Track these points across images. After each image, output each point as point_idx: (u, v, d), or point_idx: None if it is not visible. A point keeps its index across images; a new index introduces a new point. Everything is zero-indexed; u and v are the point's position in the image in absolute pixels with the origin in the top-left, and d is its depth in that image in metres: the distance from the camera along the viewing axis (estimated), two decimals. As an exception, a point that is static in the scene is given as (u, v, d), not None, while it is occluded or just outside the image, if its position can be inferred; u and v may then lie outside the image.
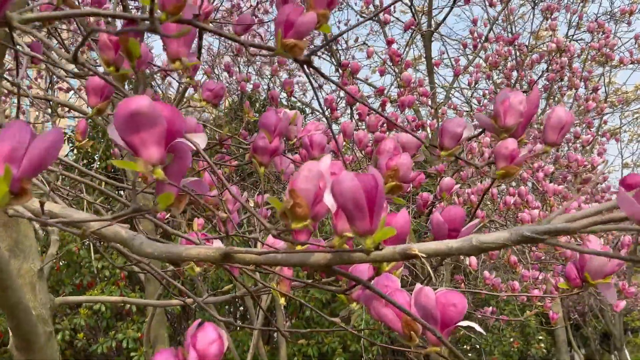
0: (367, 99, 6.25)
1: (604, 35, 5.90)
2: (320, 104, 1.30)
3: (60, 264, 7.45)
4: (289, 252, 0.89)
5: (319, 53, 7.47)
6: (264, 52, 1.22)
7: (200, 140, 0.94)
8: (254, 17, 7.24)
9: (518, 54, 6.11)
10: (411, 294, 1.20)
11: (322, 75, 1.25)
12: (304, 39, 1.11)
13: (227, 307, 9.57)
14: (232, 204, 2.30)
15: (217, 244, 1.71)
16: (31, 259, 2.30)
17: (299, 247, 1.39)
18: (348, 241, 0.92)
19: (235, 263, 0.98)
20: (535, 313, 3.79)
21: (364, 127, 4.31)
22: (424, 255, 0.90)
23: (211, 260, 0.99)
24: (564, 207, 0.89)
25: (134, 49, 1.03)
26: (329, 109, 5.07)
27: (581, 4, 6.19)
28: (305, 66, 1.25)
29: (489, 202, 4.68)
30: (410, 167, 1.22)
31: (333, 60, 7.96)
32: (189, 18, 0.95)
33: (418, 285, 1.17)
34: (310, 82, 1.23)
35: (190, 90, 3.63)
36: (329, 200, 0.95)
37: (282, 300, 1.43)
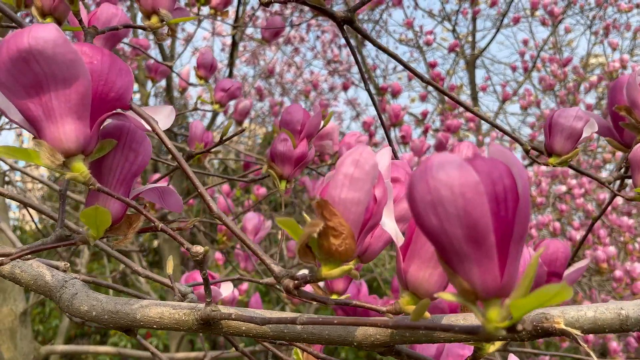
0: (409, 124, 5.82)
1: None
2: (360, 69, 0.89)
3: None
4: (317, 322, 0.46)
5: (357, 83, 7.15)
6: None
7: (163, 116, 0.53)
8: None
9: (573, 76, 5.61)
10: None
11: (365, 36, 0.84)
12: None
13: None
14: (252, 235, 1.89)
15: (226, 286, 1.29)
16: (12, 299, 1.92)
17: (334, 296, 0.95)
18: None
19: (222, 334, 0.56)
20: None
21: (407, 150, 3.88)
22: (575, 331, 0.46)
23: (183, 327, 0.57)
24: None
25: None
26: (367, 133, 4.67)
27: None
28: (345, 27, 0.84)
29: (548, 237, 4.14)
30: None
31: (371, 87, 7.60)
32: None
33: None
34: (349, 45, 0.82)
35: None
36: (390, 225, 0.53)
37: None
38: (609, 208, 4.06)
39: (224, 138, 0.97)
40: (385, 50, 0.87)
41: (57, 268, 0.68)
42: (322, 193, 0.48)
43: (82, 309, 0.61)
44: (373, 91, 7.38)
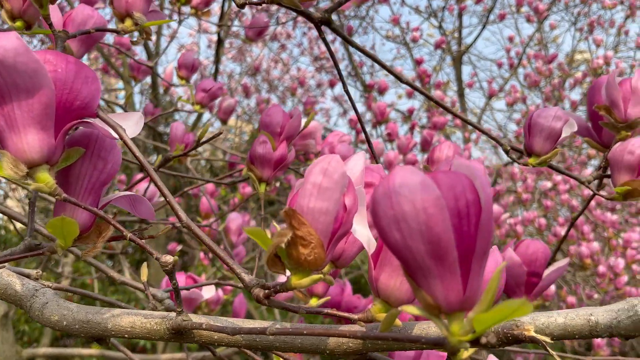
0: (395, 121, 5.83)
1: (653, 52, 5.41)
2: (340, 74, 0.89)
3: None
4: (288, 333, 0.45)
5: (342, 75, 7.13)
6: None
7: (131, 123, 0.52)
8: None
9: (558, 73, 5.64)
10: None
11: (343, 36, 0.83)
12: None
13: None
14: (236, 235, 1.88)
15: (208, 288, 1.28)
16: (-7, 301, 1.88)
17: (314, 302, 0.95)
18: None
19: (194, 342, 0.55)
20: None
21: (393, 147, 3.88)
22: (545, 338, 0.46)
23: (155, 336, 0.56)
24: None
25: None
26: (353, 131, 4.67)
27: (629, 19, 5.72)
28: (322, 28, 0.84)
29: (535, 234, 4.17)
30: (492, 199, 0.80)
31: (358, 84, 7.58)
32: None
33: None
34: (327, 46, 0.81)
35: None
36: (361, 232, 0.52)
37: (291, 377, 0.99)
38: (593, 204, 4.10)
39: (201, 141, 0.96)
40: (365, 53, 0.87)
41: (28, 277, 0.67)
42: (291, 202, 0.47)
43: (52, 318, 0.60)
44: (360, 88, 7.36)
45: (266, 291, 0.49)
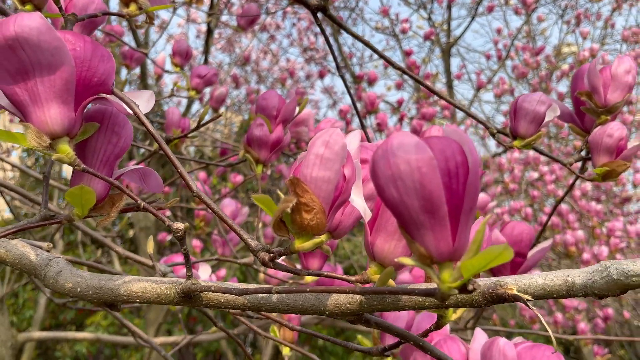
0: (385, 113, 5.87)
1: (638, 45, 5.50)
2: (335, 59, 0.93)
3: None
4: (291, 291, 0.49)
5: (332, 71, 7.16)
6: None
7: (143, 100, 0.56)
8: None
9: (546, 65, 5.71)
10: (467, 342, 0.82)
11: (338, 24, 0.87)
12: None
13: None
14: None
15: (204, 270, 1.32)
16: (-11, 286, 1.91)
17: (309, 279, 0.99)
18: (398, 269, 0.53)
19: (202, 306, 0.59)
20: None
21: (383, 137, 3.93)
22: (527, 296, 0.51)
23: (165, 301, 0.60)
24: None
25: (52, -32, 0.65)
26: (344, 121, 4.71)
27: (615, 12, 5.80)
28: (319, 15, 0.87)
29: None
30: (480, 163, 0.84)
31: (348, 75, 7.62)
32: None
33: (482, 335, 0.78)
34: (323, 33, 0.85)
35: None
36: (358, 202, 0.56)
37: (286, 351, 1.03)
38: (578, 194, 4.18)
39: (201, 123, 1.00)
40: (358, 38, 0.91)
41: (40, 248, 0.70)
42: (295, 172, 0.51)
43: (66, 285, 0.63)
44: (349, 79, 7.40)
45: (271, 254, 0.53)
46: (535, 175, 4.55)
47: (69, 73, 0.50)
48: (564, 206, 3.55)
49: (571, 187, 1.07)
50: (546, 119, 0.91)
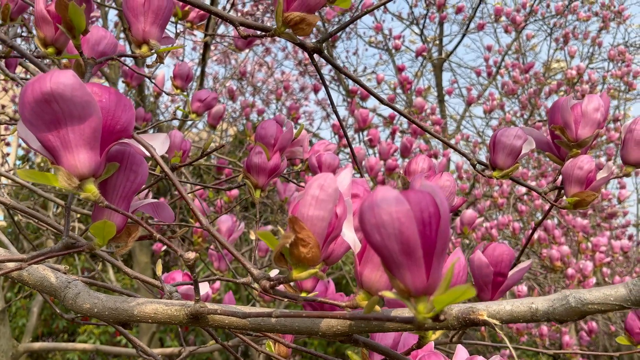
0: (377, 126, 5.98)
1: (624, 64, 5.63)
2: (331, 100, 1.00)
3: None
4: (289, 315, 0.56)
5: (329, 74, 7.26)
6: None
7: (159, 143, 0.63)
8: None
9: (534, 82, 5.83)
10: (450, 356, 0.88)
11: (333, 65, 0.95)
12: (314, 14, 0.81)
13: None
14: (226, 236, 1.98)
15: (202, 286, 1.39)
16: (-9, 298, 1.97)
17: (304, 294, 1.06)
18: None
19: (208, 326, 0.66)
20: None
21: (375, 154, 4.01)
22: (495, 321, 0.58)
23: (174, 321, 0.67)
24: None
25: (75, 19, 0.73)
26: (336, 136, 4.79)
27: (602, 31, 5.94)
28: (315, 56, 0.95)
29: (509, 237, 4.33)
30: (455, 190, 0.91)
31: (341, 88, 7.72)
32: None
33: (463, 352, 0.85)
34: (319, 73, 0.93)
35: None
36: (349, 236, 0.64)
37: (281, 364, 1.10)
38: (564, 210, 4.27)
39: (205, 152, 1.07)
40: (352, 79, 0.99)
41: (58, 270, 0.77)
42: (293, 211, 0.58)
43: (84, 306, 0.70)
44: (343, 93, 7.46)
45: (271, 282, 0.60)
46: (523, 190, 4.65)
47: (96, 123, 0.57)
48: (549, 221, 3.64)
49: (546, 214, 1.15)
50: (522, 152, 0.99)
